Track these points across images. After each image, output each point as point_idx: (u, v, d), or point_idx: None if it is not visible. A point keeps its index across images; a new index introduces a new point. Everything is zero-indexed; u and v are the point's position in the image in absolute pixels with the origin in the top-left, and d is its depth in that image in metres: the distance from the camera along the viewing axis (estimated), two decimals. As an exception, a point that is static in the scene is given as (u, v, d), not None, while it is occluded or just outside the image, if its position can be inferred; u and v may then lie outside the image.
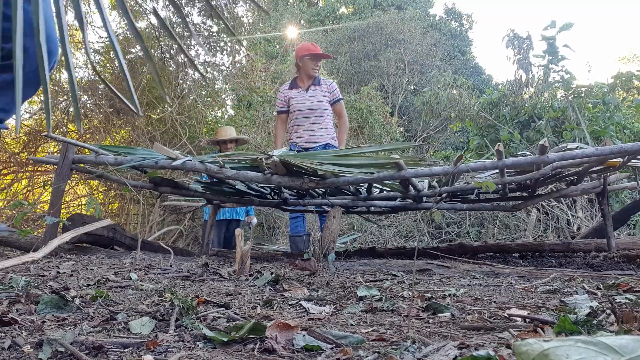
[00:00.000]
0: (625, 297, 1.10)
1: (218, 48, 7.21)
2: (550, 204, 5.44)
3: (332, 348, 0.75)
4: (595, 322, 0.83)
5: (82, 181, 6.37)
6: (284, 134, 3.93)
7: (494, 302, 1.16)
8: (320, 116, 3.68)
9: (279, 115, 3.87)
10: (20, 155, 5.99)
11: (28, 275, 1.34)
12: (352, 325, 0.92)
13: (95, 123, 5.97)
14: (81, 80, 6.09)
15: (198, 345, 0.75)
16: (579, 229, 4.96)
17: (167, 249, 2.50)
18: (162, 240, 4.55)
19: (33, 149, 6.05)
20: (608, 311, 0.91)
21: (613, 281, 1.44)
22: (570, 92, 5.72)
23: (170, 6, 6.24)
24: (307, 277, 1.62)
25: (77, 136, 6.02)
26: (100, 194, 6.67)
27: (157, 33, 6.27)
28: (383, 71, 12.77)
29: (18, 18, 0.78)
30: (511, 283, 1.55)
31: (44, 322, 0.84)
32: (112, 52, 6.44)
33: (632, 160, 2.28)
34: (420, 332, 0.84)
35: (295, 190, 2.95)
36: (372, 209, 3.26)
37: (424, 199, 2.73)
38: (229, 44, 7.22)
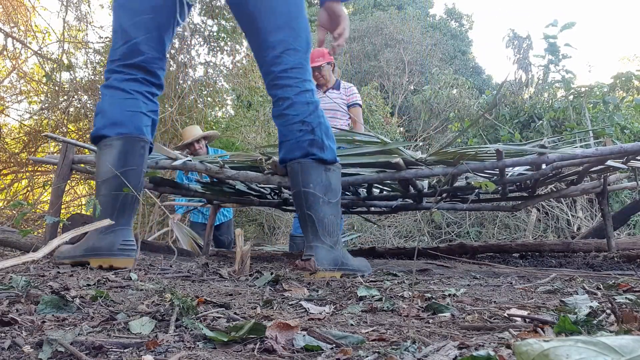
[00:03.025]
0: (625, 297, 1.10)
1: (218, 48, 7.21)
2: (550, 204, 5.45)
3: (332, 348, 0.75)
4: (595, 322, 0.83)
5: (82, 181, 6.37)
6: None
7: (494, 302, 1.16)
8: (334, 117, 3.74)
9: None
10: (20, 155, 5.99)
11: (28, 275, 1.34)
12: (352, 325, 0.92)
13: (95, 123, 5.95)
14: (81, 80, 6.09)
15: (198, 345, 0.75)
16: (579, 229, 4.97)
17: (172, 249, 2.52)
18: (162, 241, 4.55)
19: (33, 149, 6.05)
20: (608, 311, 0.91)
21: (613, 281, 1.44)
22: (570, 91, 5.72)
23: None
24: (307, 277, 1.62)
25: (77, 136, 6.02)
26: (100, 194, 6.65)
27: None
28: (383, 71, 12.78)
29: None
30: (511, 283, 1.55)
31: (44, 322, 0.84)
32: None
33: (632, 161, 2.28)
34: (420, 332, 0.84)
35: (295, 190, 2.94)
36: (372, 209, 3.26)
37: (424, 199, 2.73)
38: (229, 43, 7.22)
